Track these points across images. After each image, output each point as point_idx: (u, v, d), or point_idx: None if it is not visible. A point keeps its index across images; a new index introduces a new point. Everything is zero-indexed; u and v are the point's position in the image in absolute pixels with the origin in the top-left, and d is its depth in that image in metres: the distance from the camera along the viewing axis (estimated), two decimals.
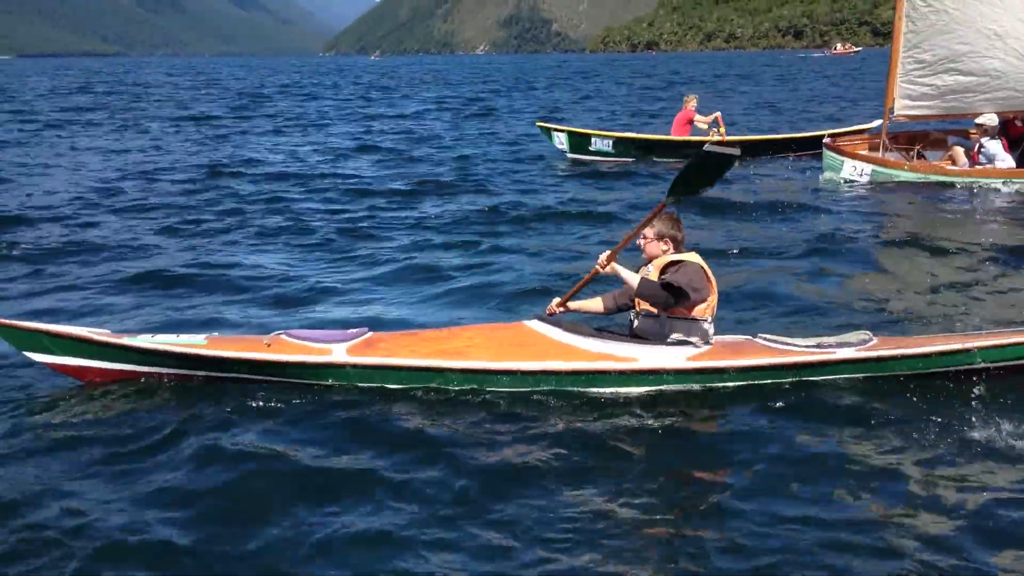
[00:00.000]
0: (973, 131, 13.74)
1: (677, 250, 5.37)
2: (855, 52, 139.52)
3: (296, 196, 13.47)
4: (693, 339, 5.26)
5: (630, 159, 17.03)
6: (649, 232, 5.34)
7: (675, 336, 5.26)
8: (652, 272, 5.28)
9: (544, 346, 5.28)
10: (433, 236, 10.52)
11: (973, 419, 4.86)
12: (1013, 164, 13.14)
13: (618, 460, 4.46)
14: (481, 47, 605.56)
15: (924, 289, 7.84)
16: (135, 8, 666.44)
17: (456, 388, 5.17)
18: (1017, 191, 12.72)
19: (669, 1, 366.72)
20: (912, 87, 13.40)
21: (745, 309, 7.17)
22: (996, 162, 13.11)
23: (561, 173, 16.08)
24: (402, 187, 14.30)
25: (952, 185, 13.03)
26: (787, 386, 5.30)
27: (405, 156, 18.62)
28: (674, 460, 4.50)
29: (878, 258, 9.21)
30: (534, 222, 11.31)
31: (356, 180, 15.17)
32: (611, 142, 17.18)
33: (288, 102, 38.53)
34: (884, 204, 12.37)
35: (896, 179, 13.36)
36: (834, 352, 5.35)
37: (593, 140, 17.24)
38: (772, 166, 16.17)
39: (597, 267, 5.32)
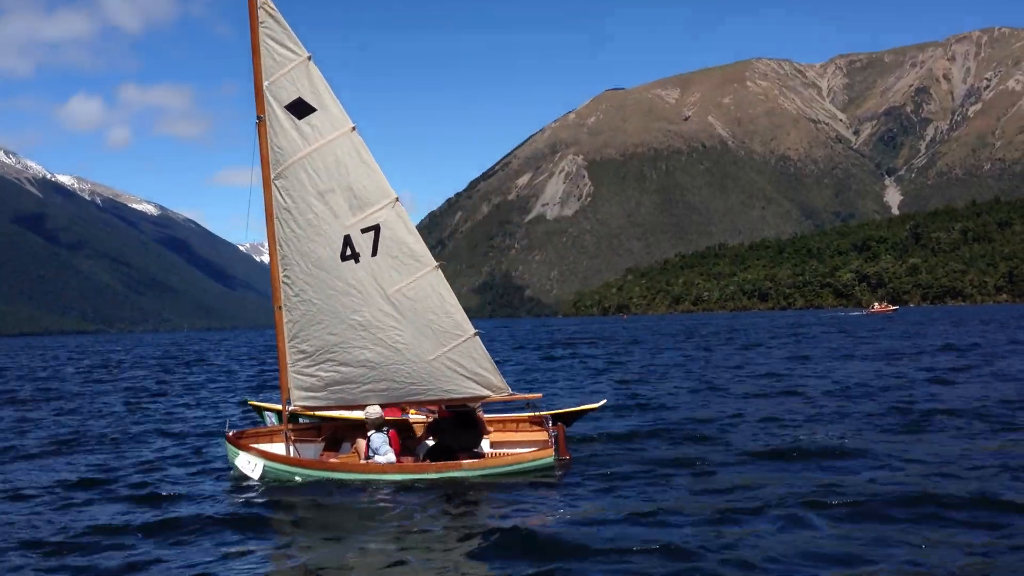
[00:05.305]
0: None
1: None
2: (892, 310, 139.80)
3: None
4: None
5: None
6: None
7: None
8: None
9: None
10: None
11: None
12: (393, 459, 12.29)
13: None
14: None
15: None
16: (119, 288, 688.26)
17: None
18: (399, 487, 11.66)
19: (636, 267, 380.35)
20: (301, 377, 12.79)
21: None
22: (378, 456, 12.18)
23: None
24: None
25: (344, 481, 11.95)
26: None
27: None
28: None
29: None
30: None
31: None
32: None
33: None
34: (255, 506, 11.13)
35: (286, 475, 12.28)
36: None
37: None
38: None
39: None
